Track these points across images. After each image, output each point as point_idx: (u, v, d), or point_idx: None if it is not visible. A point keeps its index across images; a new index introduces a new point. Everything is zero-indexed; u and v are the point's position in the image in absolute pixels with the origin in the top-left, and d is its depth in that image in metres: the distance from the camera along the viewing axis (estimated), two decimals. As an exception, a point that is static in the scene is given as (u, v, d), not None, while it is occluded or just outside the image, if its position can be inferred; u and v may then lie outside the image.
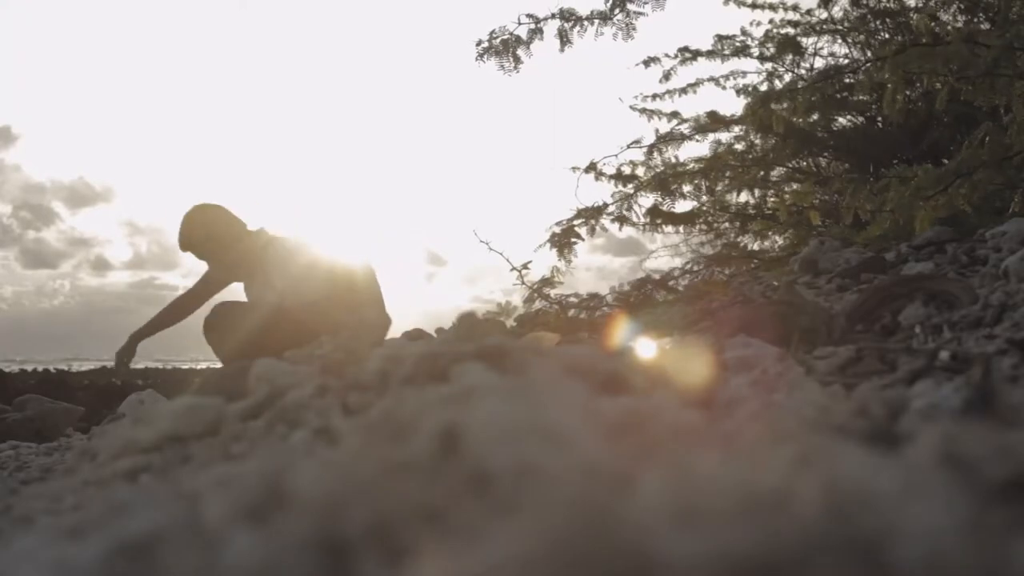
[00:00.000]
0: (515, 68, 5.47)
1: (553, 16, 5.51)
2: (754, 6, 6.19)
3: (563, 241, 5.65)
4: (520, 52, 5.47)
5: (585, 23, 5.54)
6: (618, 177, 6.12)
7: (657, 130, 6.21)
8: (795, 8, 6.18)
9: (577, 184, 6.00)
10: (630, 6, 5.47)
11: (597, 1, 5.57)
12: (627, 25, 5.53)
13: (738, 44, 6.16)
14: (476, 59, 5.47)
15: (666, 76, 6.07)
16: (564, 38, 5.53)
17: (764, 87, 6.19)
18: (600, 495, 0.37)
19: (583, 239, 5.76)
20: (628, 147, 6.14)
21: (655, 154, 6.11)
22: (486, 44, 5.43)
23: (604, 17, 5.52)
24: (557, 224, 5.74)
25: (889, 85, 4.10)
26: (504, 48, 5.45)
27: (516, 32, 5.47)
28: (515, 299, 5.53)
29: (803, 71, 6.22)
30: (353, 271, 3.72)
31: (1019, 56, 3.65)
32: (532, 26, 5.50)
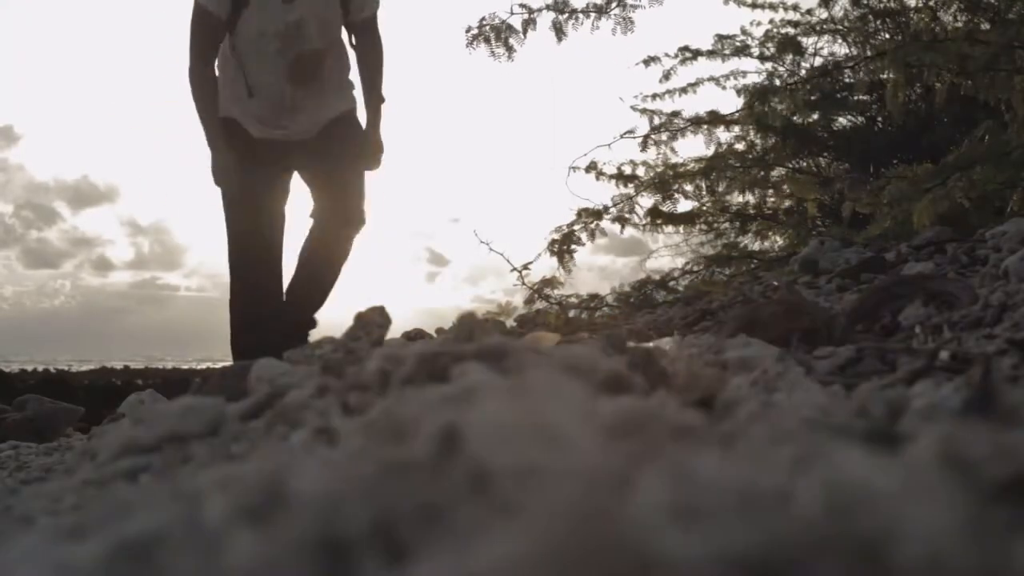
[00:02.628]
0: (508, 56, 5.45)
1: (547, 7, 5.50)
2: (754, 6, 6.19)
3: (562, 248, 5.63)
4: (512, 41, 5.45)
5: (580, 16, 5.53)
6: (619, 177, 6.12)
7: (652, 120, 6.20)
8: (795, 8, 6.19)
9: (568, 181, 5.99)
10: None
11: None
12: (624, 19, 5.53)
13: (738, 44, 6.17)
14: (466, 46, 5.45)
15: (666, 76, 6.07)
16: (559, 30, 5.53)
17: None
18: (600, 495, 0.38)
19: (583, 244, 5.75)
20: (621, 136, 6.12)
21: (649, 145, 6.09)
22: (476, 31, 5.41)
23: (600, 10, 5.52)
24: (556, 230, 5.72)
25: (890, 75, 4.09)
26: (495, 35, 5.43)
27: (508, 21, 5.44)
28: (516, 299, 5.53)
29: (803, 71, 6.22)
30: None
31: (1018, 53, 3.65)
32: (525, 16, 5.48)
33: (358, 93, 3.27)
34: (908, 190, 3.55)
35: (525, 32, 5.43)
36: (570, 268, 5.52)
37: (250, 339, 3.08)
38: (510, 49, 5.39)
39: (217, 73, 3.10)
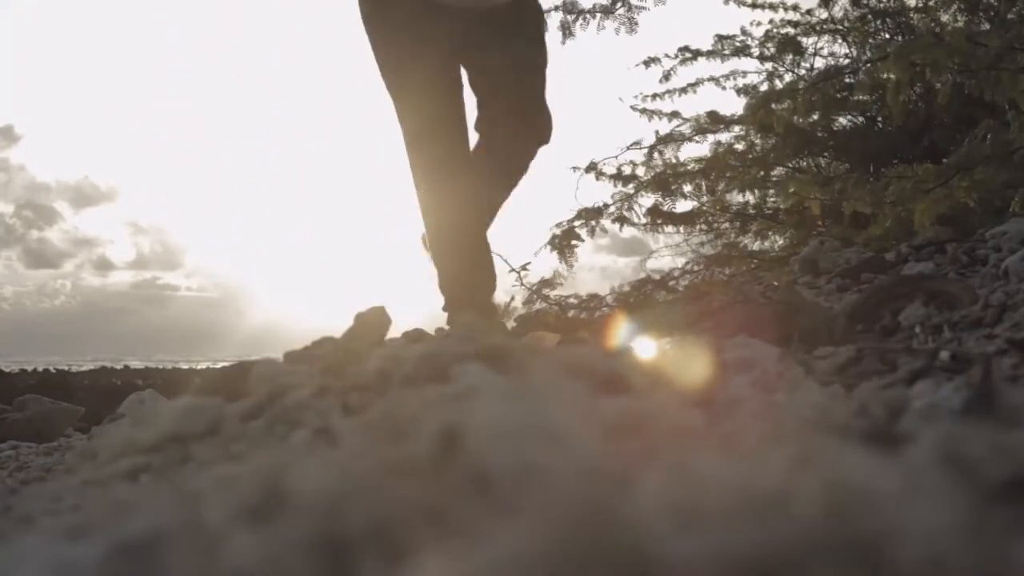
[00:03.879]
0: None
1: (556, 8, 5.57)
2: (754, 6, 6.19)
3: (563, 243, 5.64)
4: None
5: (587, 16, 5.60)
6: (618, 177, 6.12)
7: (657, 132, 6.21)
8: (795, 8, 6.18)
9: (577, 185, 6.00)
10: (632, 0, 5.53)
11: (599, -7, 5.63)
12: (629, 19, 5.58)
13: (738, 44, 6.16)
14: None
15: (666, 76, 6.06)
16: (566, 30, 5.59)
17: (764, 87, 6.19)
18: (600, 495, 0.37)
19: (583, 240, 5.76)
20: (628, 148, 6.14)
21: (655, 155, 6.12)
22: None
23: (606, 11, 5.57)
24: (557, 226, 5.73)
25: (892, 76, 4.08)
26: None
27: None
28: (516, 300, 5.52)
29: (803, 71, 6.22)
30: None
31: (1020, 55, 3.65)
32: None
33: None
34: (910, 191, 3.55)
35: (537, 38, 5.51)
36: (572, 263, 5.52)
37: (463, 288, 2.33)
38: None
39: None
